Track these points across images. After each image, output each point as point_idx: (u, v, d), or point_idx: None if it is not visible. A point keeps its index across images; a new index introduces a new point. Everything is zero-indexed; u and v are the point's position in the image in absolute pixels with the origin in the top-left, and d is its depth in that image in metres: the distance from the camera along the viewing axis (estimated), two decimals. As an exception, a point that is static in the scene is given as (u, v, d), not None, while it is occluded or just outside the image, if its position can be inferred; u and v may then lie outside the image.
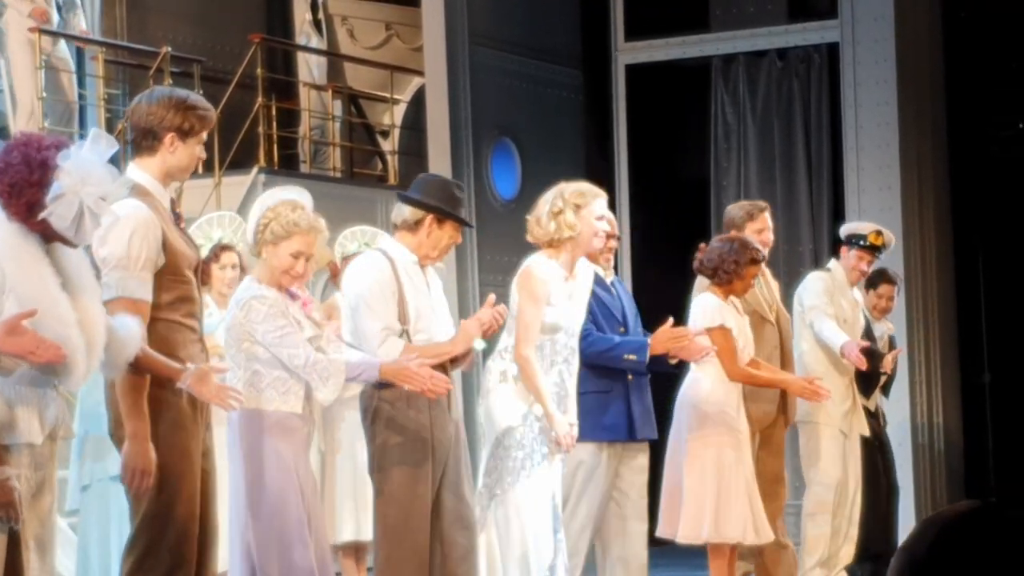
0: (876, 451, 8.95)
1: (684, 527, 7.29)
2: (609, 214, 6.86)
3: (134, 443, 4.94)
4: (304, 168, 12.39)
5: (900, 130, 11.25)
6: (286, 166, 12.09)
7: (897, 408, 10.98)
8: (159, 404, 5.06)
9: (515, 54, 11.79)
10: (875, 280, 9.20)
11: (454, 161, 11.20)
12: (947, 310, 11.43)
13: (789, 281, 10.73)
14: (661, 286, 12.03)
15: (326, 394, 5.73)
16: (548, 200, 6.60)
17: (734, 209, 8.19)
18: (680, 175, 12.49)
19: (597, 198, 6.60)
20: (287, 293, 5.84)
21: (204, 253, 7.51)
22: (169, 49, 11.39)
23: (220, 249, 7.77)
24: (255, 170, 11.08)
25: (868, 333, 8.96)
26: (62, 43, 11.00)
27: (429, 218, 6.14)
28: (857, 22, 11.38)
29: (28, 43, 10.76)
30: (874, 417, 8.98)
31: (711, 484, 7.27)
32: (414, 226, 6.15)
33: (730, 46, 12.04)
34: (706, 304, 7.47)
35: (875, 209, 11.22)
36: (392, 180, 12.30)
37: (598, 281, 7.00)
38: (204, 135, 5.26)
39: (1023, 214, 11.56)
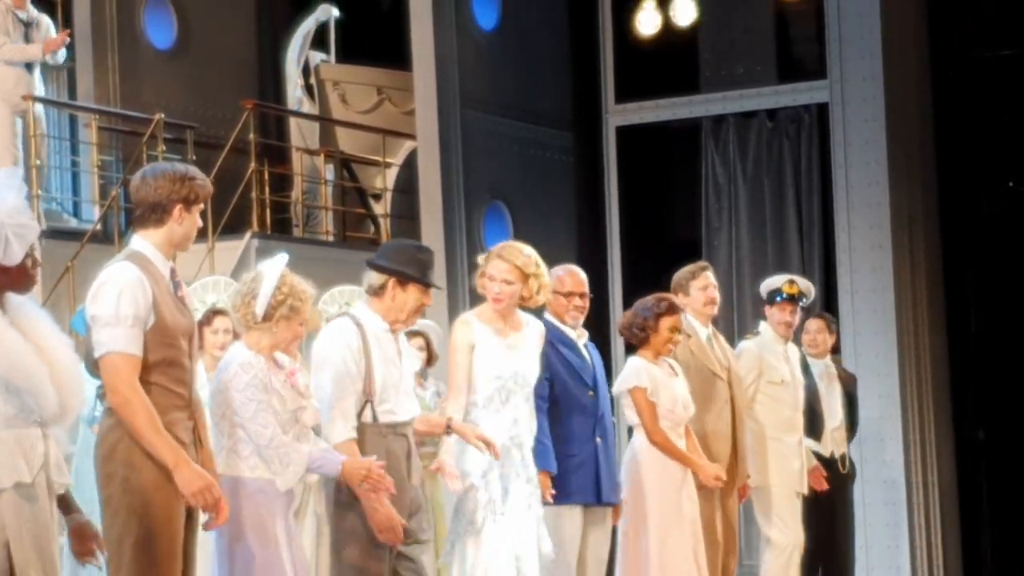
0: (827, 510, 8.98)
1: None
2: (554, 278, 6.98)
3: (179, 471, 5.08)
4: (297, 232, 12.43)
5: (890, 189, 11.30)
6: (279, 230, 12.13)
7: (892, 467, 10.99)
8: (146, 458, 5.11)
9: (506, 117, 11.86)
10: (802, 319, 9.29)
11: (446, 224, 11.24)
12: (940, 366, 11.44)
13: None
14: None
15: (283, 481, 5.76)
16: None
17: (678, 273, 8.26)
18: (671, 236, 12.54)
19: (491, 259, 6.72)
20: (274, 362, 5.87)
21: (197, 317, 7.53)
22: (162, 116, 11.44)
23: (213, 313, 7.81)
24: (248, 235, 11.11)
25: (806, 371, 9.00)
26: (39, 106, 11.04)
27: (391, 282, 6.19)
28: (846, 82, 11.45)
29: (6, 102, 10.79)
30: (830, 466, 9.00)
31: (654, 549, 7.31)
32: (379, 291, 6.20)
33: (720, 107, 12.11)
34: (628, 365, 7.61)
35: (867, 268, 11.26)
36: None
37: (564, 341, 7.09)
38: (203, 204, 5.40)
39: (1014, 270, 11.60)
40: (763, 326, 8.71)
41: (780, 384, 8.50)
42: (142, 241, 5.31)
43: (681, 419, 7.54)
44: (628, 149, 12.29)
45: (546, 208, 12.13)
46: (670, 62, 12.23)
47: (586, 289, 7.21)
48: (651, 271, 12.22)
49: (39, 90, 11.13)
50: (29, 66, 10.99)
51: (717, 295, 8.18)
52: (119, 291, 5.14)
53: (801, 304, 8.73)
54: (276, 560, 5.77)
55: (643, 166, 12.29)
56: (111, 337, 5.10)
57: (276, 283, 5.81)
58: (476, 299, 11.06)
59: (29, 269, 4.62)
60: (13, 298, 4.59)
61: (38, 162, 10.78)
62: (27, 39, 10.92)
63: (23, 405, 4.49)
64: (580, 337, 7.17)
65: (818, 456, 8.94)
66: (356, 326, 6.12)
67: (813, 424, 8.92)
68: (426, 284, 6.21)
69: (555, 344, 7.04)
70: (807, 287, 8.83)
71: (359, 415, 6.09)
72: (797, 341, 9.05)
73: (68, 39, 11.16)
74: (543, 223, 12.08)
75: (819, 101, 11.79)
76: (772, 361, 8.53)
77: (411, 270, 6.20)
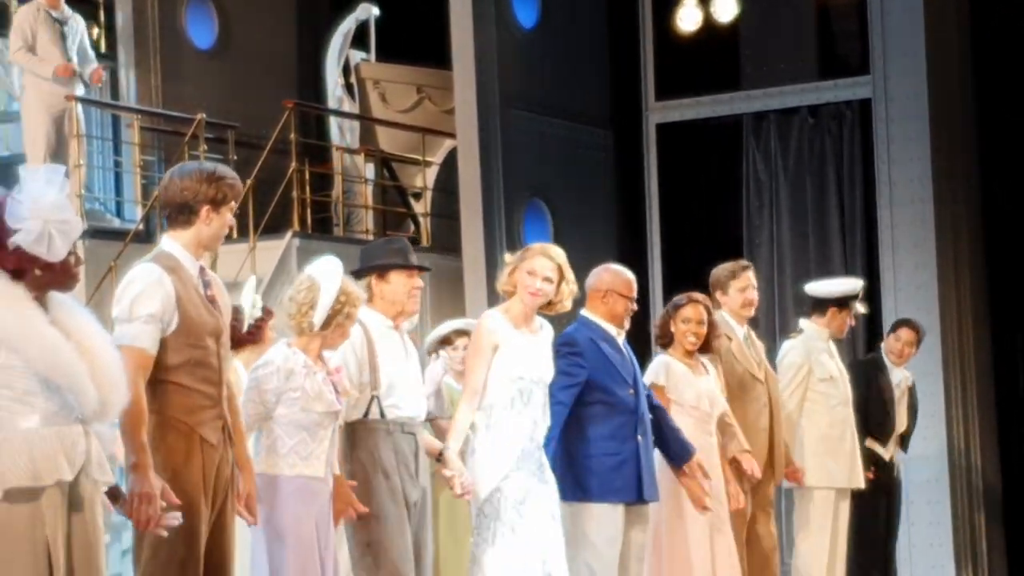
0: (881, 500, 8.94)
1: None
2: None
3: (136, 472, 4.98)
4: (337, 231, 12.45)
5: (934, 185, 11.23)
6: (319, 230, 12.15)
7: (935, 465, 10.92)
8: (165, 458, 5.10)
9: (546, 115, 11.84)
10: (896, 325, 9.20)
11: (486, 222, 11.23)
12: (984, 363, 11.37)
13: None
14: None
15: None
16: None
17: (718, 270, 8.20)
18: (712, 234, 12.49)
19: (534, 256, 6.68)
20: (321, 361, 5.93)
21: (260, 312, 7.63)
22: (204, 116, 11.47)
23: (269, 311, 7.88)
24: (289, 234, 11.13)
25: (885, 379, 8.94)
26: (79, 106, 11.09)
27: (373, 279, 6.29)
28: (889, 78, 11.39)
29: (43, 104, 10.84)
30: (886, 468, 8.96)
31: (667, 545, 7.32)
32: (369, 293, 6.28)
33: (761, 104, 12.06)
34: (652, 363, 7.66)
35: (910, 265, 11.20)
36: (425, 242, 12.34)
37: (607, 339, 7.09)
38: (234, 204, 5.38)
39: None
40: (806, 324, 8.62)
41: (829, 380, 8.44)
42: (171, 241, 5.31)
43: (707, 415, 7.52)
44: (668, 146, 12.25)
45: (586, 206, 12.11)
46: (711, 59, 12.18)
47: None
48: (692, 269, 12.16)
49: (79, 90, 11.18)
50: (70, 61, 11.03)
51: (756, 296, 8.13)
52: (137, 291, 5.16)
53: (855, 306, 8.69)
54: (309, 562, 5.79)
55: (683, 164, 12.26)
56: (121, 333, 5.12)
57: (336, 295, 5.87)
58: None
59: (72, 267, 4.61)
60: (55, 296, 4.60)
61: (81, 162, 10.82)
62: (62, 37, 10.97)
63: (64, 402, 4.49)
64: (619, 335, 7.17)
65: (878, 458, 8.88)
66: (359, 324, 6.16)
67: (884, 426, 8.85)
68: (400, 266, 6.29)
69: (597, 342, 7.04)
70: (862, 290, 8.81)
71: (366, 412, 6.18)
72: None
73: (101, 76, 11.18)
74: (583, 221, 12.06)
75: (862, 97, 11.73)
76: (819, 359, 8.47)
77: (381, 260, 6.31)
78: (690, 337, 7.59)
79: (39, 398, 4.47)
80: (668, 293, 12.04)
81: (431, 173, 12.80)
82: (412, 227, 13.07)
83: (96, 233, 10.72)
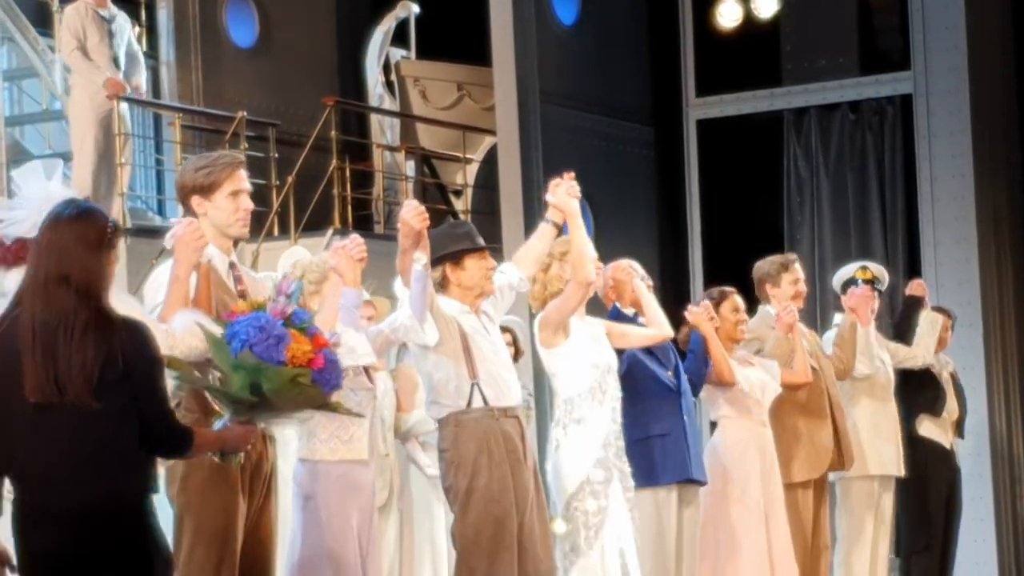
0: (942, 490, 8.90)
1: None
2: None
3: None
4: (378, 228, 12.47)
5: (975, 181, 11.19)
6: (360, 227, 12.17)
7: (977, 460, 10.87)
8: (200, 461, 5.00)
9: (586, 112, 11.83)
10: (943, 309, 9.16)
11: (527, 219, 11.23)
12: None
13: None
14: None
15: None
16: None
17: (765, 263, 8.18)
18: (753, 229, 12.46)
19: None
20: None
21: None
22: (244, 114, 11.51)
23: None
24: (330, 231, 11.16)
25: (925, 368, 8.91)
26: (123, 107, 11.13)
27: (447, 268, 6.24)
28: (930, 73, 11.35)
29: (92, 104, 10.89)
30: (946, 458, 8.94)
31: (724, 545, 7.33)
32: (444, 283, 6.25)
33: (802, 99, 12.03)
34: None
35: (951, 261, 11.15)
36: (466, 239, 12.34)
37: (639, 325, 7.18)
38: (233, 184, 5.24)
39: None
40: (840, 319, 8.59)
41: (866, 378, 8.42)
42: None
43: (759, 403, 7.51)
44: (709, 142, 12.24)
45: (627, 202, 12.10)
46: (751, 55, 12.16)
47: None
48: (733, 265, 12.15)
49: (126, 90, 11.24)
50: (117, 63, 11.09)
51: (805, 290, 8.13)
52: (154, 288, 5.15)
53: (878, 289, 8.62)
54: (350, 553, 5.77)
55: (724, 160, 12.24)
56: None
57: (288, 273, 5.91)
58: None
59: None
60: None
61: (123, 160, 10.88)
62: (110, 36, 11.03)
63: None
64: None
65: (935, 446, 8.84)
66: (445, 316, 6.16)
67: (935, 404, 8.82)
68: (472, 250, 6.26)
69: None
70: (880, 271, 8.74)
71: (469, 401, 6.13)
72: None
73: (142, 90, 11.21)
74: (624, 217, 12.05)
75: (903, 93, 11.69)
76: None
77: (452, 247, 6.25)
78: (741, 327, 7.62)
79: None
80: (708, 288, 12.04)
81: (472, 170, 12.82)
82: (452, 224, 13.08)
83: (138, 231, 10.78)
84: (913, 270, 11.59)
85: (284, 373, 4.28)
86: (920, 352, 8.73)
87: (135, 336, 4.02)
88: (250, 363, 4.26)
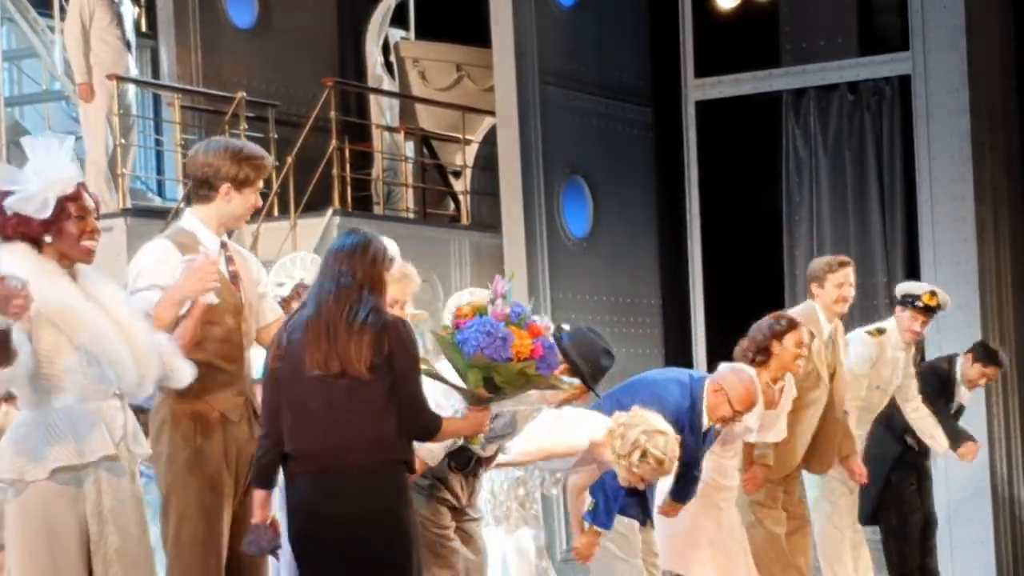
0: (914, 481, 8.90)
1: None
2: None
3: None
4: (377, 209, 12.49)
5: (974, 161, 11.20)
6: (360, 207, 12.19)
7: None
8: (186, 441, 5.05)
9: (586, 92, 11.85)
10: (991, 357, 9.01)
11: (526, 200, 11.26)
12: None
13: (862, 314, 10.70)
14: (733, 322, 12.02)
15: None
16: None
17: (816, 262, 8.08)
18: (752, 210, 12.49)
19: None
20: None
21: (286, 292, 7.64)
22: (244, 94, 11.52)
23: (301, 287, 7.87)
24: (330, 212, 11.17)
25: (949, 397, 8.87)
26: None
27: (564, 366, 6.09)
28: (928, 53, 11.36)
29: (101, 87, 10.90)
30: (917, 450, 8.94)
31: (683, 540, 7.16)
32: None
33: (800, 80, 12.04)
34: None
35: (950, 240, 11.17)
36: (465, 220, 12.37)
37: None
38: (260, 184, 5.25)
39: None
40: (891, 326, 8.47)
41: (877, 389, 8.37)
42: (190, 217, 5.22)
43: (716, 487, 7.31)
44: (708, 123, 12.25)
45: (626, 183, 12.12)
46: (750, 36, 12.17)
47: None
48: (731, 246, 12.20)
49: (133, 70, 11.25)
50: (128, 45, 11.09)
51: (851, 294, 7.95)
52: (143, 265, 5.09)
53: (932, 317, 8.47)
54: None
55: (723, 140, 12.25)
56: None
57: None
58: (555, 269, 11.13)
59: (78, 237, 4.56)
60: (85, 270, 4.62)
61: (122, 141, 10.89)
62: (119, 17, 11.03)
63: (103, 376, 4.52)
64: None
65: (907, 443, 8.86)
66: None
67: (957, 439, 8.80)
68: (589, 388, 6.28)
69: None
70: (945, 301, 8.53)
71: None
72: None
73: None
74: (622, 198, 12.07)
75: (901, 73, 11.70)
76: (883, 367, 8.37)
77: (586, 369, 6.22)
78: (799, 362, 7.36)
79: (77, 375, 4.49)
80: (706, 269, 12.07)
81: (471, 151, 12.82)
82: (452, 205, 13.11)
83: (137, 212, 10.79)
84: (911, 250, 11.62)
85: (512, 368, 4.93)
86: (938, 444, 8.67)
87: (400, 332, 4.85)
88: (482, 363, 4.93)
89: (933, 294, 8.44)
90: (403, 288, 5.79)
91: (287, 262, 7.93)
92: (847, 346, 8.18)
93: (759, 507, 7.62)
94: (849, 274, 7.95)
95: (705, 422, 6.66)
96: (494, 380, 4.95)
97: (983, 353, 9.11)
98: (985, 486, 10.91)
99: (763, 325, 7.33)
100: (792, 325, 7.33)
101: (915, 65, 11.47)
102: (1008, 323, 11.26)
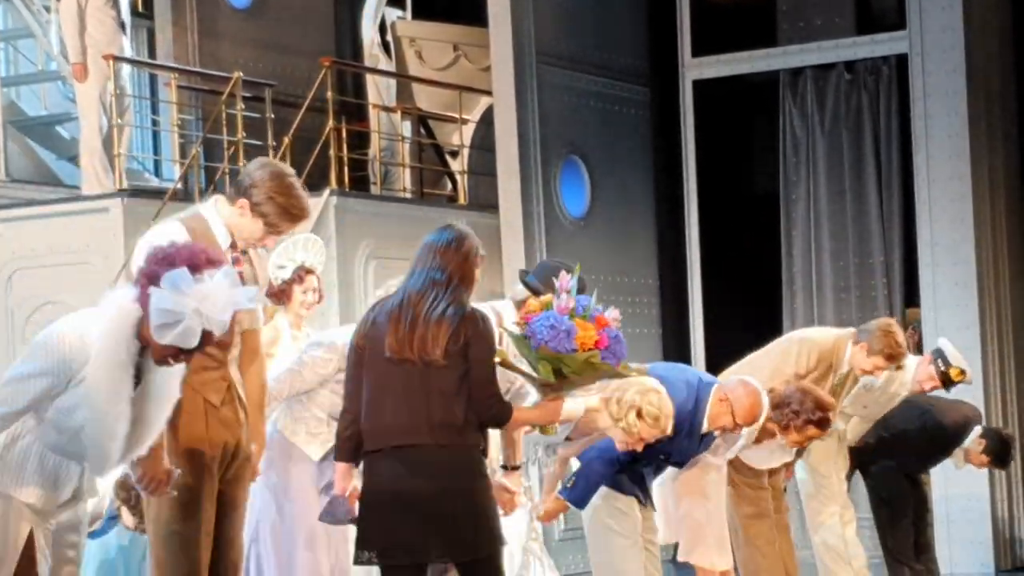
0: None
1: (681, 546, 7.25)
2: None
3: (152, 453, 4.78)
4: (375, 189, 12.48)
5: (971, 140, 11.20)
6: (357, 188, 12.18)
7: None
8: (187, 418, 5.07)
9: (583, 72, 11.83)
10: (1004, 453, 8.79)
11: (523, 180, 11.26)
12: (1021, 319, 11.36)
13: (861, 295, 10.72)
14: (730, 301, 12.04)
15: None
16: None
17: (874, 324, 7.74)
18: (749, 189, 12.49)
19: None
20: None
21: (287, 274, 7.65)
22: (240, 74, 11.51)
23: (305, 271, 7.87)
24: (327, 192, 11.17)
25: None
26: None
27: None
28: (926, 33, 11.34)
29: (96, 67, 10.89)
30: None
31: (697, 503, 7.19)
32: (521, 303, 6.23)
33: (798, 60, 12.03)
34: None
35: (946, 219, 11.17)
36: (462, 200, 12.37)
37: None
38: (280, 231, 5.29)
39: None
40: (909, 364, 8.22)
41: (868, 393, 8.25)
42: (213, 206, 5.27)
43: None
44: (705, 103, 12.24)
45: (623, 163, 12.12)
46: (747, 15, 12.15)
47: None
48: (728, 225, 12.19)
49: (128, 51, 11.23)
50: (123, 25, 11.08)
51: (881, 374, 7.76)
52: (145, 243, 5.07)
53: (947, 389, 8.34)
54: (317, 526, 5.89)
55: (720, 120, 12.24)
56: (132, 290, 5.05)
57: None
58: (552, 250, 11.12)
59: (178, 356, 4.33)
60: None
61: (118, 121, 10.88)
62: (115, 6, 11.01)
63: (79, 451, 4.37)
64: None
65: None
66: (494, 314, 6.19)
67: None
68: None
69: None
70: (968, 382, 8.43)
71: None
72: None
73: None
74: (620, 178, 12.07)
75: (898, 52, 11.69)
76: (877, 396, 8.32)
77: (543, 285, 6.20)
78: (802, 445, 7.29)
79: (64, 434, 4.34)
80: (704, 249, 12.07)
81: (468, 131, 12.82)
82: (449, 185, 13.10)
83: (134, 192, 10.79)
84: (908, 229, 11.62)
85: (578, 358, 5.27)
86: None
87: (478, 325, 5.17)
88: (550, 355, 5.26)
89: (963, 372, 8.31)
90: None
91: (289, 245, 7.95)
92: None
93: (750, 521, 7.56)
94: (895, 341, 7.64)
95: (704, 427, 6.64)
96: (563, 371, 5.30)
97: (997, 449, 8.80)
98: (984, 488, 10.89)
99: (807, 405, 6.96)
100: (823, 424, 6.97)
101: (912, 44, 11.46)
102: (1005, 303, 11.27)
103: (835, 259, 11.81)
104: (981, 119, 11.24)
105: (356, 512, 5.20)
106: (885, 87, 11.86)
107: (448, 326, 5.11)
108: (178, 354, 4.26)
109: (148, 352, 4.28)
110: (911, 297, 11.58)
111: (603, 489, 6.51)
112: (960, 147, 11.20)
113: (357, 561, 5.18)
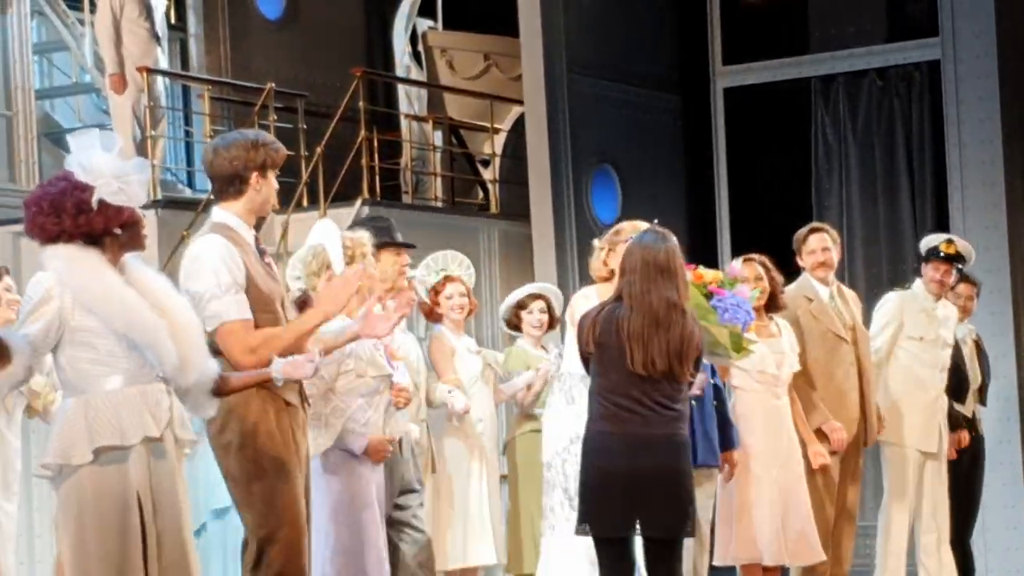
0: (964, 458, 8.87)
1: (716, 548, 7.36)
2: None
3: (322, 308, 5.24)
4: (406, 198, 12.52)
5: (1004, 146, 11.16)
6: (389, 197, 12.22)
7: (1007, 425, 10.87)
8: (259, 415, 5.17)
9: (613, 81, 11.84)
10: (953, 283, 9.14)
11: (554, 188, 11.27)
12: (1056, 327, 11.32)
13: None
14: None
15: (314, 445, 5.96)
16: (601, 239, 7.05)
17: (796, 234, 8.33)
18: (781, 198, 12.46)
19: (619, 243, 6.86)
20: None
21: (431, 282, 7.82)
22: (273, 85, 11.56)
23: (445, 279, 8.01)
24: (359, 202, 11.21)
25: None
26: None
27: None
28: (958, 39, 11.31)
29: (130, 79, 10.95)
30: (970, 424, 8.91)
31: (737, 505, 7.36)
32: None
33: (829, 67, 12.01)
34: None
35: (980, 227, 11.13)
36: (494, 209, 12.39)
37: None
38: (278, 167, 5.42)
39: None
40: (917, 283, 8.58)
41: (919, 340, 8.39)
42: (223, 212, 5.33)
43: (774, 378, 7.51)
44: (736, 111, 12.23)
45: (654, 171, 12.12)
46: (778, 22, 12.14)
47: None
48: (761, 234, 12.16)
49: (163, 62, 11.29)
50: (158, 37, 11.14)
51: (828, 257, 8.14)
52: (214, 263, 5.17)
53: (958, 266, 8.55)
54: (371, 522, 5.97)
55: (752, 128, 12.23)
56: (223, 307, 5.14)
57: (341, 245, 6.03)
58: (584, 258, 11.12)
59: (143, 226, 4.72)
60: (129, 260, 4.72)
61: (152, 133, 10.94)
62: (148, 10, 11.07)
63: (144, 361, 4.61)
64: None
65: (961, 416, 8.83)
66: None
67: (960, 386, 8.81)
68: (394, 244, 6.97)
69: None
70: (966, 250, 8.61)
71: None
72: None
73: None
74: (651, 186, 12.07)
75: (930, 59, 11.66)
76: (915, 317, 8.42)
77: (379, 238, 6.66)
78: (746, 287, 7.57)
79: (121, 359, 4.59)
80: (736, 257, 12.03)
81: (499, 140, 12.85)
82: (481, 194, 13.13)
83: (168, 203, 10.84)
84: (941, 236, 11.58)
85: (737, 330, 6.73)
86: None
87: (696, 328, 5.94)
88: (732, 328, 6.68)
89: (950, 242, 8.57)
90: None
91: (439, 257, 8.09)
92: (878, 308, 8.39)
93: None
94: (820, 239, 8.20)
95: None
96: (741, 340, 6.60)
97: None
98: (1015, 435, 10.85)
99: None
100: (745, 259, 7.79)
101: (944, 50, 11.43)
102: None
103: (868, 266, 11.78)
104: (1014, 124, 11.20)
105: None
106: (917, 94, 11.83)
107: (679, 336, 5.99)
108: (122, 216, 4.64)
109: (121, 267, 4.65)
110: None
111: None
112: (993, 153, 11.17)
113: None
